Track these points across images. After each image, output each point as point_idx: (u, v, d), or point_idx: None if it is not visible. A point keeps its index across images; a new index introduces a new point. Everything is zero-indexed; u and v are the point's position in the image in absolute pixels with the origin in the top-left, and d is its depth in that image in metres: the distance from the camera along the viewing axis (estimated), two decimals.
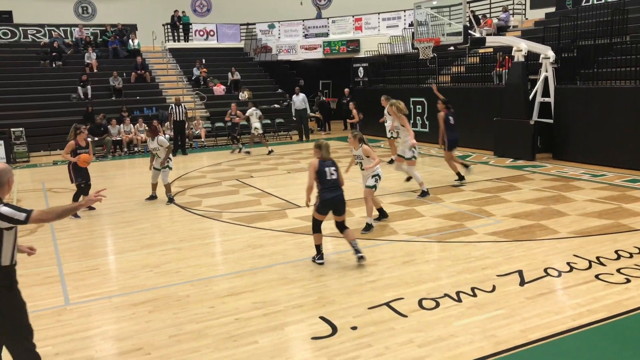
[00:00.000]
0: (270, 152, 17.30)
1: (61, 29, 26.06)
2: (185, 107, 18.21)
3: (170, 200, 10.68)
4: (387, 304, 5.50)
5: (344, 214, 6.78)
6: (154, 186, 11.02)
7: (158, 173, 10.80)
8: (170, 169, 10.81)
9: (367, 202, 8.22)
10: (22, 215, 3.64)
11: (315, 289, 6.01)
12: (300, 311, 5.44)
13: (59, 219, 3.85)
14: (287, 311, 5.45)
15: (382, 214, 8.69)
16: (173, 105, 17.77)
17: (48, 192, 12.35)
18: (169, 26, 27.21)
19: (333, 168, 6.67)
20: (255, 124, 17.23)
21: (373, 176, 8.12)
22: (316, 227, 6.76)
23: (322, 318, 5.25)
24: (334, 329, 5.00)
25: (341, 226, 6.84)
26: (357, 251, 6.71)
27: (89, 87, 21.57)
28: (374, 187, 8.16)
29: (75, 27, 25.91)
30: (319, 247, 6.83)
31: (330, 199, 6.59)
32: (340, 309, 5.43)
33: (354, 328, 5.01)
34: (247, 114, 17.33)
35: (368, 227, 8.15)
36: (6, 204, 3.69)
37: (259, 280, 6.35)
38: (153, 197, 11.02)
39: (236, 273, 6.63)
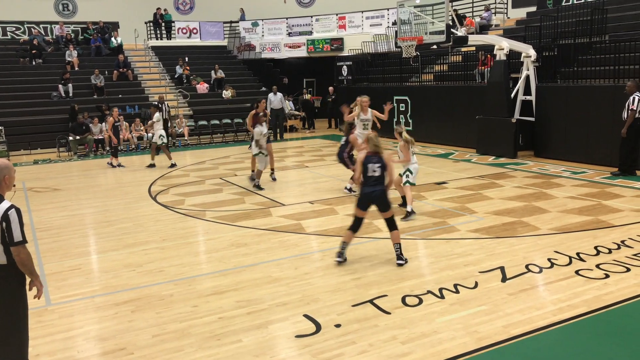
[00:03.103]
0: (172, 165, 14.87)
1: (41, 26, 25.72)
2: (168, 106, 18.07)
3: (257, 186, 11.36)
4: (371, 301, 5.52)
5: (388, 210, 6.57)
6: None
7: (265, 158, 11.37)
8: (265, 155, 11.36)
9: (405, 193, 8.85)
10: (19, 237, 3.64)
11: (299, 287, 6.01)
12: (284, 309, 5.44)
13: (23, 269, 3.85)
14: (271, 309, 5.45)
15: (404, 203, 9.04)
16: (156, 103, 17.62)
17: (29, 192, 12.19)
18: (151, 24, 27.00)
19: (378, 165, 6.48)
20: (160, 131, 14.95)
21: (404, 172, 8.76)
22: (352, 224, 6.65)
23: (306, 316, 5.26)
24: (318, 327, 5.02)
25: (389, 224, 6.66)
26: (398, 257, 6.62)
27: (70, 85, 21.33)
28: (407, 182, 8.75)
29: (56, 25, 25.58)
30: (344, 244, 6.73)
31: (367, 193, 6.51)
32: (324, 307, 5.45)
33: (338, 326, 5.02)
34: (154, 119, 14.96)
35: (407, 215, 8.66)
36: (17, 209, 3.72)
37: (243, 279, 6.34)
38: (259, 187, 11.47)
39: (220, 272, 6.61)
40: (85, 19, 26.73)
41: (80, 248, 7.92)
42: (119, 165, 15.08)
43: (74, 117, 18.82)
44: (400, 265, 6.56)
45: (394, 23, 20.77)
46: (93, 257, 7.58)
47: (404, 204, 9.01)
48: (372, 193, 6.49)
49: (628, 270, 6.12)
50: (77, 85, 21.76)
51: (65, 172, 14.96)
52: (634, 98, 10.85)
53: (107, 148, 18.35)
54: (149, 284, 6.28)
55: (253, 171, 12.20)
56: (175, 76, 24.04)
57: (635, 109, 10.80)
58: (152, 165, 14.85)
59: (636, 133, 11.00)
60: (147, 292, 6.03)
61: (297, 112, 24.22)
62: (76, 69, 22.92)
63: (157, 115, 15.06)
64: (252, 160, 12.18)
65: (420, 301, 5.50)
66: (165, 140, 15.23)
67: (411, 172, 8.73)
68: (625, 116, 10.98)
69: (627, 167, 11.25)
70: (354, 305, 5.45)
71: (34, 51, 22.94)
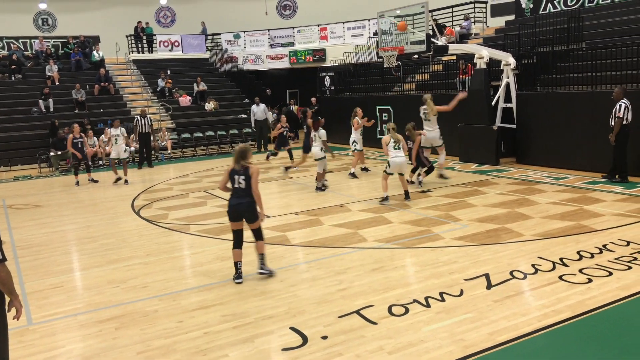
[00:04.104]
0: (122, 179, 14.74)
1: (20, 41, 25.51)
2: (150, 119, 17.98)
3: (319, 188, 12.07)
4: (357, 312, 5.51)
5: (255, 222, 6.64)
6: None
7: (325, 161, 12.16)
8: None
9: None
10: None
11: (285, 299, 5.98)
12: (270, 322, 5.41)
13: (2, 288, 3.81)
14: (257, 323, 5.42)
15: (407, 196, 10.60)
16: (138, 117, 17.53)
17: (9, 209, 12.01)
18: (132, 37, 26.90)
19: (243, 177, 6.54)
20: (123, 146, 15.13)
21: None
22: (234, 240, 6.68)
23: (292, 328, 5.23)
24: (305, 339, 4.99)
25: (255, 234, 6.73)
26: (260, 267, 6.73)
27: (50, 100, 21.13)
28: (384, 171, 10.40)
29: (35, 39, 25.37)
30: (238, 265, 6.67)
31: (233, 205, 6.57)
32: (310, 319, 5.43)
33: (325, 337, 5.00)
34: (111, 135, 15.26)
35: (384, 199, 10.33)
36: None
37: (228, 292, 6.29)
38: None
39: (205, 286, 6.55)
40: (66, 33, 26.55)
41: (62, 265, 7.81)
42: (77, 183, 14.56)
43: (55, 133, 18.63)
44: (262, 274, 6.66)
45: (375, 33, 20.93)
46: (75, 274, 7.47)
47: (407, 197, 10.53)
48: (239, 205, 6.55)
49: (610, 274, 6.19)
50: (57, 100, 21.57)
51: (47, 188, 14.78)
52: (620, 105, 10.73)
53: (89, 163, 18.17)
54: (132, 300, 6.21)
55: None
56: (158, 89, 23.95)
57: (621, 116, 10.68)
58: (118, 179, 14.65)
59: (624, 140, 10.87)
60: (131, 309, 5.96)
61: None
62: (57, 83, 22.73)
63: (121, 129, 15.20)
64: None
65: (407, 310, 5.50)
66: (127, 155, 15.36)
67: (389, 165, 10.31)
68: (613, 123, 10.89)
69: (619, 173, 11.14)
70: (340, 317, 5.44)
71: (13, 66, 22.72)
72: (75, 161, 14.90)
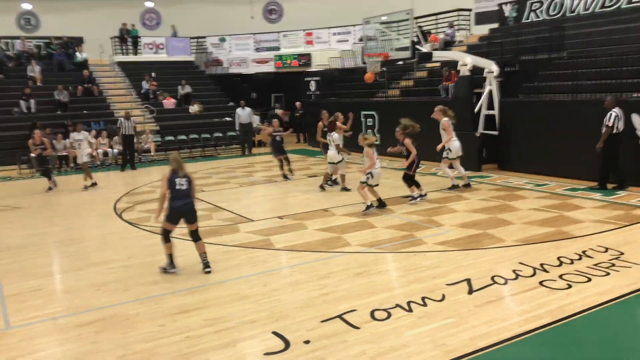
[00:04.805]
0: (93, 184, 14.23)
1: (2, 41, 25.16)
2: (134, 121, 17.84)
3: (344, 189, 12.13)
4: (340, 317, 5.52)
5: (195, 223, 7.09)
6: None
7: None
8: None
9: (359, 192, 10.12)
10: None
11: (267, 303, 5.97)
12: (252, 327, 5.39)
13: None
14: (239, 327, 5.40)
15: (381, 204, 10.27)
16: (122, 119, 17.39)
17: None
18: (117, 39, 26.70)
19: (185, 179, 6.93)
20: (87, 149, 14.97)
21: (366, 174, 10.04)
22: (166, 237, 7.08)
23: (274, 333, 5.22)
24: (287, 344, 4.98)
25: (194, 235, 7.15)
26: (205, 265, 7.11)
27: (32, 101, 20.88)
28: (364, 182, 10.04)
29: (18, 40, 25.06)
30: (170, 256, 7.14)
31: (178, 207, 6.90)
32: (293, 323, 5.42)
33: (307, 342, 5.00)
34: (75, 139, 15.08)
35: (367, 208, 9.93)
36: None
37: (211, 296, 6.27)
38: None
39: (187, 290, 6.51)
40: (49, 33, 26.26)
41: (42, 268, 7.70)
42: (50, 189, 13.89)
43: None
44: (209, 272, 7.02)
45: (361, 39, 21.06)
46: (55, 277, 7.39)
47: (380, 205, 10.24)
48: (184, 206, 6.94)
49: (589, 280, 6.27)
50: (40, 101, 21.32)
51: (27, 189, 14.56)
52: (610, 114, 10.72)
53: (71, 164, 17.95)
54: (114, 304, 6.15)
55: (330, 181, 12.75)
56: (142, 91, 23.79)
57: (610, 125, 10.67)
58: (93, 184, 14.27)
59: (614, 149, 10.84)
60: (112, 312, 5.90)
61: (264, 127, 24.19)
62: (39, 84, 22.47)
63: (84, 133, 15.03)
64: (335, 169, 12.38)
65: (389, 315, 5.52)
66: (87, 160, 14.87)
67: (372, 176, 10.03)
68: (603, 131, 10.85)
69: (618, 181, 11.10)
70: (323, 321, 5.44)
71: None
72: (40, 167, 14.31)
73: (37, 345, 5.23)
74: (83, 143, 14.81)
